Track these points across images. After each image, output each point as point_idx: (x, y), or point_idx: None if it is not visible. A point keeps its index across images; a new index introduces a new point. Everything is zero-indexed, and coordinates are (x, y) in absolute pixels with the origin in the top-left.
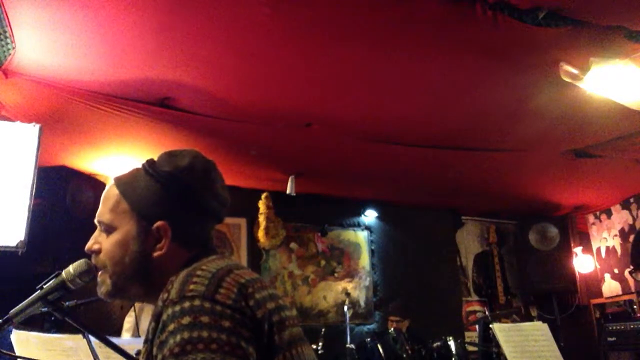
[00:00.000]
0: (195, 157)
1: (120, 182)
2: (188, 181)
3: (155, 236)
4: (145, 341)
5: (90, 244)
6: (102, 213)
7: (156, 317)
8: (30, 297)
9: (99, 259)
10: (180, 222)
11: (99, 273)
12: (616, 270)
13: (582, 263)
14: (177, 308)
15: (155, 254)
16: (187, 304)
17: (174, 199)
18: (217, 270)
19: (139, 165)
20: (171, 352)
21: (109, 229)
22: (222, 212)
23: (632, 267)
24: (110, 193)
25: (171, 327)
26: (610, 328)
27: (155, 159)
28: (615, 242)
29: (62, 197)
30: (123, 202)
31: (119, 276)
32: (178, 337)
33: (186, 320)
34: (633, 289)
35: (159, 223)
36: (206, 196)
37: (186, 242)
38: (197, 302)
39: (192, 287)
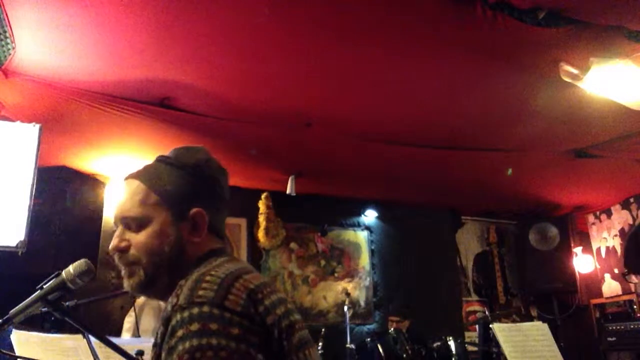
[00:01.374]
0: (208, 152)
1: (141, 176)
2: (211, 172)
3: (191, 223)
4: (154, 345)
5: (116, 242)
6: (129, 209)
7: (164, 322)
8: (30, 297)
9: (128, 256)
10: (211, 210)
11: (128, 267)
12: (616, 270)
13: (582, 263)
14: (186, 314)
15: (195, 239)
16: (195, 310)
17: (203, 188)
18: (226, 275)
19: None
20: (180, 359)
21: (141, 223)
22: (227, 208)
23: (625, 270)
24: (133, 188)
25: (180, 333)
26: (610, 328)
27: (168, 154)
28: (615, 242)
29: (62, 197)
30: (152, 194)
31: (156, 266)
32: (187, 344)
33: (195, 326)
34: (633, 289)
35: (195, 210)
36: (224, 187)
37: (215, 230)
38: (205, 309)
39: (201, 292)
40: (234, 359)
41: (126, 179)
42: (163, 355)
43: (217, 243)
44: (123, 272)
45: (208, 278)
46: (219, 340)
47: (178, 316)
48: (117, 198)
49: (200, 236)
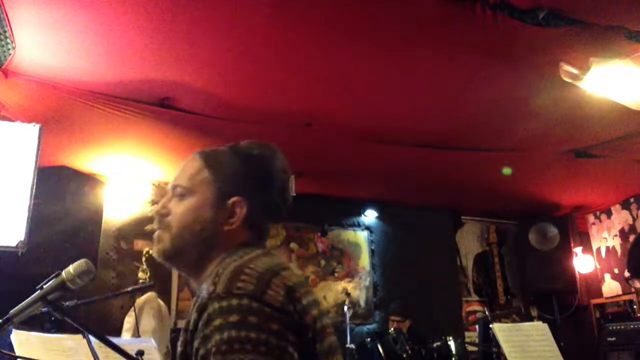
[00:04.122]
0: (278, 151)
1: (204, 154)
2: (270, 168)
3: (229, 210)
4: (184, 330)
5: (159, 207)
6: (180, 178)
7: (199, 309)
8: (30, 297)
9: (163, 221)
10: (254, 204)
11: (158, 231)
12: (616, 270)
13: (582, 263)
14: (225, 304)
15: (226, 227)
16: (234, 301)
17: (254, 181)
18: (265, 270)
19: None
20: (218, 348)
21: (184, 194)
22: (284, 213)
23: (629, 274)
24: (191, 162)
25: (217, 322)
26: (610, 328)
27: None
28: (615, 242)
29: (62, 197)
30: (205, 171)
31: (182, 239)
32: (225, 335)
33: (234, 318)
34: (633, 289)
35: (236, 198)
36: (281, 190)
37: (252, 225)
38: (245, 301)
39: (240, 284)
40: (274, 355)
41: (194, 154)
42: (196, 343)
43: (252, 238)
44: (154, 237)
45: (247, 270)
46: (259, 335)
47: (216, 305)
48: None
49: (232, 225)
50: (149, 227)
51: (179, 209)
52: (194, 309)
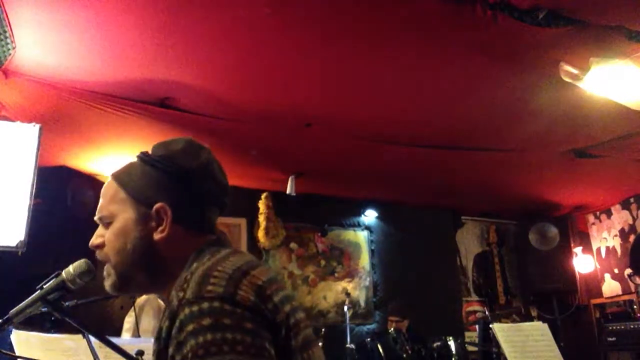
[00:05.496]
0: (189, 141)
1: (116, 173)
2: (182, 162)
3: (155, 219)
4: (157, 339)
5: (93, 239)
6: (101, 207)
7: (171, 316)
8: (30, 297)
9: (102, 253)
10: (179, 204)
11: (105, 267)
12: (616, 270)
13: (582, 263)
14: (196, 308)
15: (157, 237)
16: (206, 305)
17: (170, 181)
18: (234, 270)
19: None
20: (194, 353)
21: (109, 221)
22: (222, 197)
23: (631, 271)
24: (108, 187)
25: (190, 327)
26: (610, 328)
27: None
28: (615, 242)
29: (62, 197)
30: (120, 191)
31: (123, 265)
32: (200, 339)
33: (207, 321)
34: (633, 289)
35: (157, 205)
36: (202, 177)
37: (189, 225)
38: (216, 304)
39: (210, 287)
40: (252, 353)
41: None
42: (170, 350)
43: (201, 238)
44: (104, 272)
45: (216, 273)
46: (234, 335)
47: (187, 310)
48: None
49: (163, 232)
50: None
51: (109, 237)
52: (165, 317)
